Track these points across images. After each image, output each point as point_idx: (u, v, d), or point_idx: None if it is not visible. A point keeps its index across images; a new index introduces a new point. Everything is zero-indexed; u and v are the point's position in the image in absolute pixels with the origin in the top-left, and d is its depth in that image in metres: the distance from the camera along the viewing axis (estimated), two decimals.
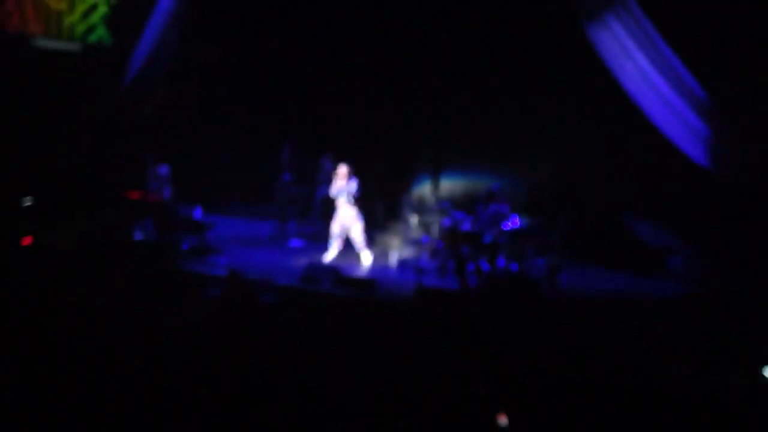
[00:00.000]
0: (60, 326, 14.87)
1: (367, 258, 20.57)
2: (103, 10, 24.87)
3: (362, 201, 20.59)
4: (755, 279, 18.15)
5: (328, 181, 21.62)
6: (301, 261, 20.09)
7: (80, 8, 25.08)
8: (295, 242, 22.47)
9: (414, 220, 21.11)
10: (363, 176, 20.97)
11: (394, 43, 22.64)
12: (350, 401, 12.34)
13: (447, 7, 21.83)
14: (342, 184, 20.44)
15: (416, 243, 20.62)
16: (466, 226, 19.81)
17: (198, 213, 21.77)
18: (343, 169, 20.51)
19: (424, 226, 20.92)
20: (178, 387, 12.57)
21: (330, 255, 20.51)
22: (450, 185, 21.60)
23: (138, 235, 21.22)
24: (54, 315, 15.50)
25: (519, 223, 19.64)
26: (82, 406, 11.93)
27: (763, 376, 14.24)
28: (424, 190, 21.75)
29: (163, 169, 22.13)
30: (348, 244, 20.69)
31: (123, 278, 17.22)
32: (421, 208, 21.31)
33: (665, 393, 13.73)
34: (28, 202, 21.82)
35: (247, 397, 12.30)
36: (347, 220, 20.50)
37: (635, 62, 19.14)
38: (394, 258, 20.79)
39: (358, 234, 20.53)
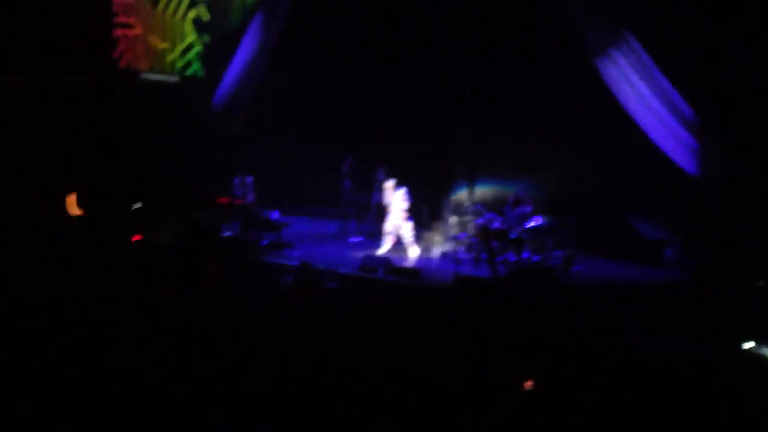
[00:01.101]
0: (165, 304, 15.15)
1: (414, 252, 20.68)
2: (197, 48, 25.17)
3: (411, 205, 20.74)
4: (733, 268, 18.15)
5: (382, 189, 21.81)
6: (360, 254, 20.22)
7: (179, 47, 25.41)
8: (355, 238, 22.52)
9: (453, 220, 21.14)
10: (412, 185, 21.15)
11: (438, 90, 22.69)
12: (397, 367, 12.48)
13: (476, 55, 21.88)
14: (391, 194, 20.60)
15: (455, 239, 20.62)
16: (496, 224, 19.94)
17: (275, 214, 21.96)
18: (390, 183, 20.69)
19: (462, 224, 20.92)
20: (256, 352, 12.81)
21: (383, 249, 20.63)
22: (482, 191, 21.58)
23: (227, 233, 21.41)
24: (160, 295, 15.76)
25: (540, 221, 19.69)
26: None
27: (743, 349, 14.30)
28: (461, 195, 21.73)
29: (248, 179, 22.34)
30: (399, 240, 20.80)
31: (215, 267, 17.42)
32: (458, 210, 21.29)
33: (659, 361, 13.82)
34: (137, 206, 22.12)
35: (314, 361, 12.47)
36: (398, 221, 20.64)
37: (636, 89, 19.26)
38: (436, 251, 20.87)
39: (407, 232, 20.66)
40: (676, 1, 18.91)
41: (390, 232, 20.78)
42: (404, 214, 20.70)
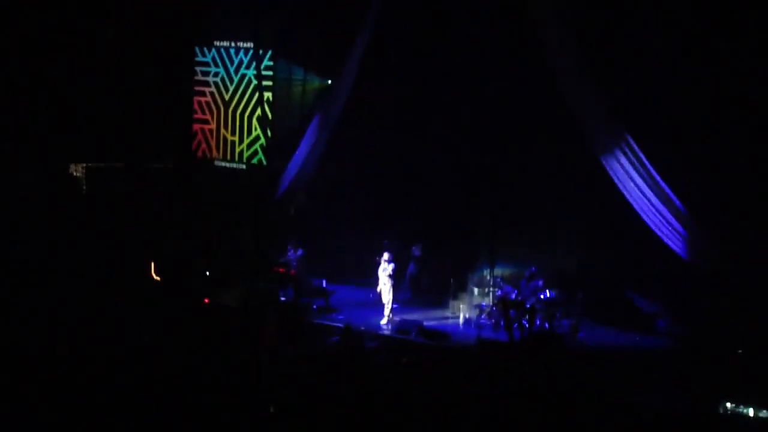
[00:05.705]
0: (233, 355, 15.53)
1: (385, 319, 20.54)
2: (261, 141, 25.67)
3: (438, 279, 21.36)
4: (716, 335, 18.28)
5: (416, 263, 22.13)
6: (396, 317, 20.47)
7: (246, 140, 26.02)
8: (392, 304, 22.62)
9: (476, 291, 21.38)
10: (443, 262, 21.78)
11: (464, 183, 22.99)
12: (428, 417, 12.75)
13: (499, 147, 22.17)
14: (384, 266, 20.71)
15: (477, 307, 20.85)
16: (513, 295, 20.15)
17: (323, 283, 22.31)
18: (385, 255, 20.78)
19: (483, 295, 21.16)
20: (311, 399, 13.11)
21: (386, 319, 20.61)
22: (501, 270, 21.72)
23: (282, 298, 21.64)
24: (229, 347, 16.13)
25: (550, 294, 19.91)
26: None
27: (723, 407, 14.43)
28: (484, 273, 21.85)
29: (300, 251, 22.60)
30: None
31: (273, 327, 17.70)
32: (481, 283, 21.51)
33: (651, 414, 14.00)
34: (207, 273, 22.55)
35: (358, 410, 12.77)
36: (385, 289, 20.72)
37: (635, 183, 19.36)
38: (461, 318, 21.03)
39: (388, 300, 20.69)
40: (668, 108, 19.31)
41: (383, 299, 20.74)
42: (389, 285, 20.71)
